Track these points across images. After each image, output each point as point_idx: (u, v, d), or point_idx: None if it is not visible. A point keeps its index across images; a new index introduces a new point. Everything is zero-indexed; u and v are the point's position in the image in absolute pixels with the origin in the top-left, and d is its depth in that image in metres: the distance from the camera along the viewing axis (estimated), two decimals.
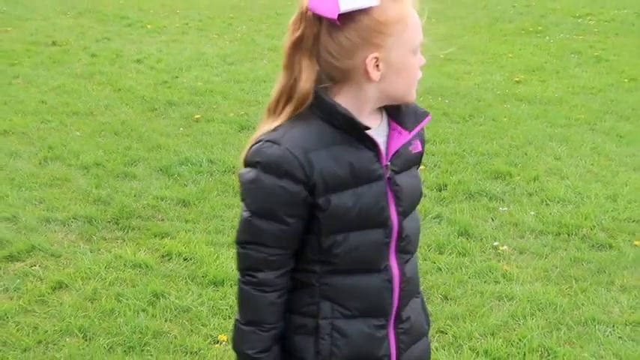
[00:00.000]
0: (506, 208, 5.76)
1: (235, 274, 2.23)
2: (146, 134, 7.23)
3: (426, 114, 2.25)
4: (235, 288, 2.23)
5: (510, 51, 9.70)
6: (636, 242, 5.30)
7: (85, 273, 4.77)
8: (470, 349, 4.18)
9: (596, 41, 10.10)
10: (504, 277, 4.89)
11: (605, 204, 5.80)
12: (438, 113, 7.59)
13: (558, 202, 5.84)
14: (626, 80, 8.61)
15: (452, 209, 5.73)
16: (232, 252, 4.76)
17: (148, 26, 10.80)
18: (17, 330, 4.30)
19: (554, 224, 5.52)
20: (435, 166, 6.44)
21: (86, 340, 4.16)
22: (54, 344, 4.18)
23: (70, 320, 4.29)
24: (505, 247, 5.25)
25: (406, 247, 2.31)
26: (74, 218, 5.46)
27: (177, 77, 9.10)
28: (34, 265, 4.93)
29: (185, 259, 5.00)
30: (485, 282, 4.84)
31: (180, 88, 8.75)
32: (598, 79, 8.67)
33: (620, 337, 4.33)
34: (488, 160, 6.52)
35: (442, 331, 4.34)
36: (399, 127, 2.22)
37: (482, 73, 8.87)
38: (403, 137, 2.21)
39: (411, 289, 2.37)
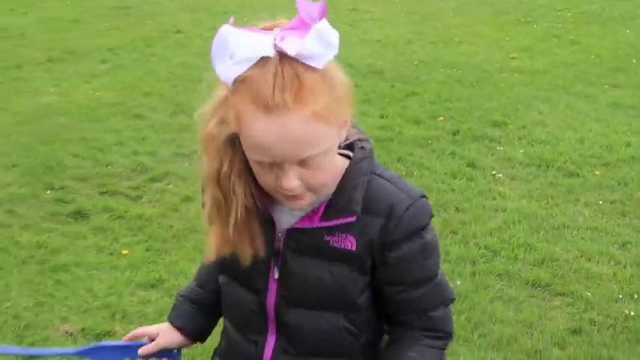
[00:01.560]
0: (502, 148, 5.77)
1: None
2: None
3: (350, 213, 1.37)
4: None
5: (507, 36, 9.60)
6: (596, 172, 5.30)
7: None
8: (474, 244, 4.27)
9: (572, 28, 9.92)
10: (500, 196, 4.95)
11: (575, 145, 5.79)
12: (453, 80, 7.59)
13: (540, 143, 5.84)
14: (592, 57, 8.48)
15: (463, 148, 5.76)
16: None
17: (244, 19, 10.84)
18: (158, 228, 4.47)
19: (536, 159, 5.54)
20: (451, 117, 6.46)
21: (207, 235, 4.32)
22: (184, 237, 4.35)
23: (194, 222, 4.39)
24: (500, 174, 5.29)
25: (292, 339, 1.46)
26: (196, 152, 5.57)
27: None
28: (169, 184, 5.08)
29: None
30: (485, 199, 4.91)
31: None
32: (572, 56, 8.55)
33: (582, 238, 4.40)
34: (490, 114, 6.52)
35: (454, 232, 4.42)
36: (320, 213, 1.38)
37: (487, 51, 8.80)
38: (309, 222, 1.39)
39: None
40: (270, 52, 1.20)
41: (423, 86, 7.37)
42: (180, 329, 1.67)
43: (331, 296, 1.41)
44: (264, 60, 1.21)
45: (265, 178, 1.32)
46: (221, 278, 1.56)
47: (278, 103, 1.20)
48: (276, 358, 1.47)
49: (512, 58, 8.55)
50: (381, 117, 6.48)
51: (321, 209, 1.39)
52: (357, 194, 1.37)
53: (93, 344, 1.69)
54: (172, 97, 6.97)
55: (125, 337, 1.70)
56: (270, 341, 1.48)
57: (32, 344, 3.34)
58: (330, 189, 1.38)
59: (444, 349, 1.49)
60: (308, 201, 1.35)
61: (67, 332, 3.48)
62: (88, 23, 10.19)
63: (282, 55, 1.21)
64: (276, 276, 1.43)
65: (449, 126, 6.24)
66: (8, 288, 3.81)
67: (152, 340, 1.67)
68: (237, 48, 1.22)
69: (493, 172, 5.31)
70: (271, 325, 1.47)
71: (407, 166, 5.40)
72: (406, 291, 1.43)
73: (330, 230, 1.38)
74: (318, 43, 1.20)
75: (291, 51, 1.20)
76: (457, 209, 4.75)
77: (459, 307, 3.62)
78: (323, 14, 1.23)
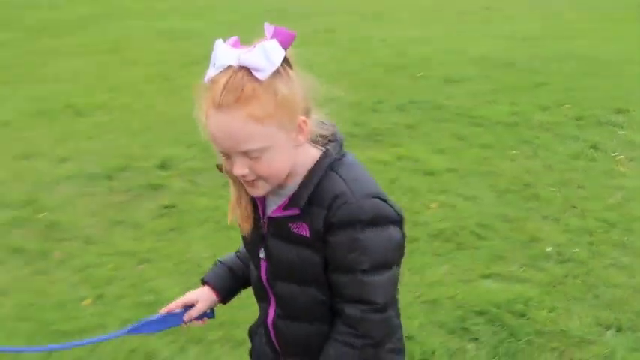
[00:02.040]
0: (623, 132, 5.65)
1: None
2: (386, 82, 7.44)
3: (296, 206, 1.45)
4: None
5: (632, 30, 9.26)
6: None
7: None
8: (593, 218, 4.25)
9: None
10: (619, 175, 4.88)
11: None
12: (579, 71, 7.44)
13: None
14: None
15: (586, 132, 5.69)
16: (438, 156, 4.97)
17: (387, 20, 10.94)
18: None
19: None
20: (575, 105, 6.37)
21: None
22: None
23: None
24: (621, 156, 5.20)
25: (282, 305, 1.60)
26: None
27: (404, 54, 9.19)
28: None
29: (410, 160, 5.26)
30: (606, 178, 4.85)
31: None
32: None
33: None
34: (613, 102, 6.37)
35: (574, 207, 4.40)
36: (286, 202, 1.48)
37: (611, 45, 8.52)
38: (277, 212, 1.50)
39: (290, 345, 1.64)
40: (234, 62, 1.35)
41: (550, 77, 7.28)
42: (215, 290, 1.76)
43: (301, 273, 1.51)
44: (228, 67, 1.36)
45: (227, 165, 1.45)
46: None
47: (222, 102, 1.35)
48: (276, 322, 1.61)
49: (636, 51, 8.24)
50: (511, 104, 6.47)
51: (286, 201, 1.48)
52: (306, 190, 1.44)
53: (139, 321, 1.74)
54: None
55: (169, 307, 1.75)
56: (272, 308, 1.61)
57: None
58: (297, 183, 1.47)
59: (362, 349, 1.48)
60: (262, 188, 1.45)
61: None
62: (247, 27, 10.57)
63: (241, 66, 1.35)
64: (262, 255, 1.57)
65: (573, 112, 6.16)
66: (190, 242, 4.18)
67: (189, 305, 1.76)
68: (219, 57, 1.36)
69: (614, 154, 5.22)
70: (271, 294, 1.60)
71: (533, 147, 5.40)
72: (332, 272, 1.48)
73: (291, 219, 1.47)
74: (260, 58, 1.34)
75: (238, 61, 1.35)
76: (578, 187, 4.71)
77: (576, 271, 3.66)
78: (276, 36, 1.38)
